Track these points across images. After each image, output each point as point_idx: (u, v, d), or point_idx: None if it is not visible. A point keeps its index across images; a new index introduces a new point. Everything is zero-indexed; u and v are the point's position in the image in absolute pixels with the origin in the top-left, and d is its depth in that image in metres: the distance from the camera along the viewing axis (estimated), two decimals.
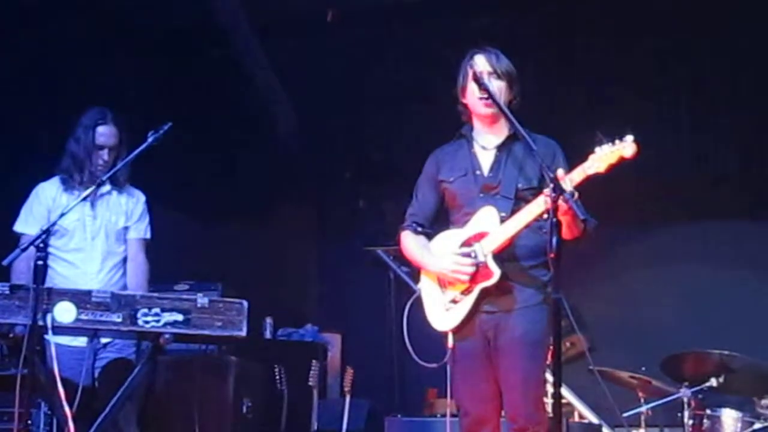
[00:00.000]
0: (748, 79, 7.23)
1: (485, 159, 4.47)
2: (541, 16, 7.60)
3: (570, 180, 4.06)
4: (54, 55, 6.71)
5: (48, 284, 4.85)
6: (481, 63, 4.44)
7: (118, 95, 6.31)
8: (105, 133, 5.30)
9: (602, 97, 7.40)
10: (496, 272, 4.27)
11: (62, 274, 5.26)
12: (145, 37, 7.40)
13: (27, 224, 5.29)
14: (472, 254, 4.32)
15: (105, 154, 5.28)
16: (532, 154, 4.19)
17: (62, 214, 4.86)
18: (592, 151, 4.08)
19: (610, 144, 4.04)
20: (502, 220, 4.30)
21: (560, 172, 4.07)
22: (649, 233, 7.58)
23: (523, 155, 4.40)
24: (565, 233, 4.16)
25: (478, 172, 4.45)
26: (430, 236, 4.59)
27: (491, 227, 4.31)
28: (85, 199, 5.01)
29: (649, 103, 7.45)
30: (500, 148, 4.46)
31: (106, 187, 5.34)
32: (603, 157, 4.05)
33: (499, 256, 4.29)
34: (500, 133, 4.49)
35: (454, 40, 7.17)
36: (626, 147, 4.02)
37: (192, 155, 7.48)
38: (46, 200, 5.33)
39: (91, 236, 5.32)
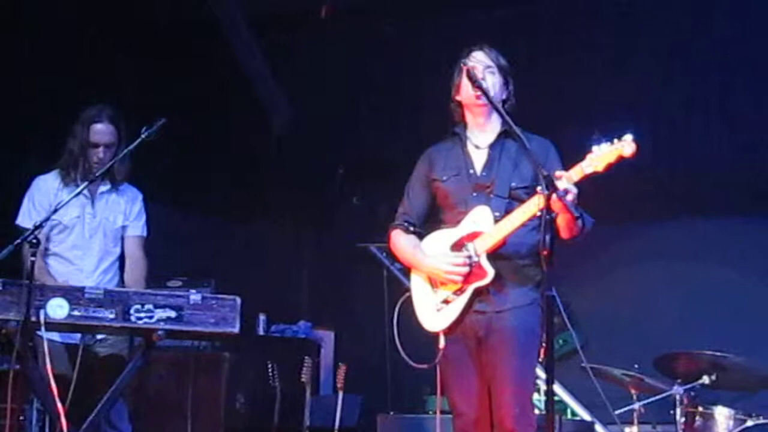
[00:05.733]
0: (743, 76, 7.23)
1: (478, 157, 4.44)
2: (536, 11, 7.60)
3: (568, 178, 4.06)
4: (52, 51, 6.70)
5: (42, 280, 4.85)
6: (479, 57, 4.43)
7: (114, 91, 6.30)
8: (100, 131, 5.26)
9: (597, 93, 7.40)
10: (490, 272, 4.24)
11: (57, 270, 5.23)
12: (141, 32, 7.39)
13: (31, 218, 5.19)
14: (466, 254, 4.28)
15: (100, 152, 5.25)
16: (526, 152, 4.16)
17: (55, 210, 4.85)
18: (589, 150, 4.07)
19: (608, 143, 4.04)
20: (496, 220, 4.27)
21: (558, 172, 4.08)
22: (643, 231, 7.58)
23: (516, 153, 4.37)
24: (563, 232, 4.18)
25: (471, 171, 4.42)
26: (420, 236, 4.55)
27: (485, 227, 4.29)
28: (79, 195, 5.00)
29: (644, 99, 7.45)
30: (493, 146, 4.44)
31: (105, 186, 5.33)
32: (602, 157, 4.04)
33: (492, 255, 4.26)
34: (493, 131, 4.47)
35: (449, 36, 7.21)
36: (625, 146, 4.02)
37: (186, 151, 7.47)
38: (48, 193, 5.28)
39: (89, 234, 5.29)
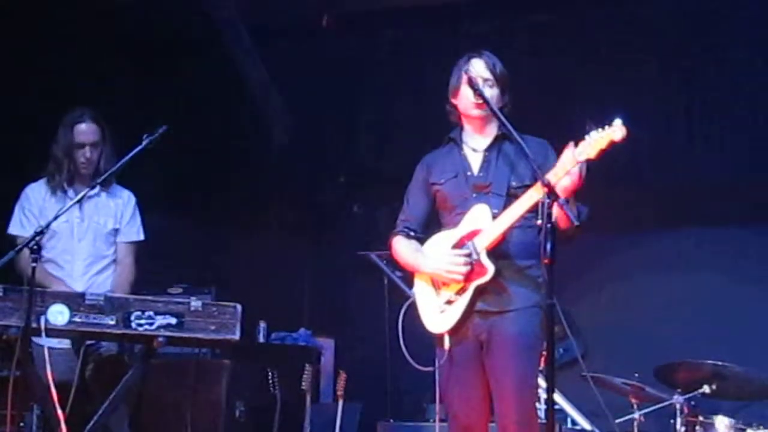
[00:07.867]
0: (743, 85, 7.24)
1: (475, 160, 4.45)
2: (533, 22, 7.61)
3: (562, 167, 4.04)
4: (49, 57, 6.71)
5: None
6: (479, 68, 4.43)
7: (113, 98, 6.31)
8: (84, 131, 5.30)
9: (596, 103, 7.39)
10: (491, 268, 4.22)
11: (51, 275, 5.24)
12: (142, 40, 7.40)
13: (22, 227, 5.26)
14: (466, 252, 4.27)
15: (87, 151, 5.28)
16: (525, 156, 4.15)
17: (56, 216, 4.85)
18: (582, 139, 4.04)
19: (599, 130, 4.00)
20: (495, 217, 4.26)
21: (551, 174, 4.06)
22: (643, 240, 7.57)
23: (514, 154, 4.37)
24: (562, 222, 4.12)
25: (468, 173, 4.43)
26: (421, 241, 4.55)
27: (484, 224, 4.28)
28: (80, 201, 5.01)
29: (644, 109, 7.45)
30: (489, 148, 4.45)
31: (95, 189, 5.33)
32: (593, 143, 4.00)
33: (494, 254, 4.25)
34: (490, 134, 4.47)
35: (448, 45, 7.22)
36: (615, 130, 3.97)
37: (186, 159, 7.48)
38: (37, 201, 5.32)
39: (77, 238, 5.31)
